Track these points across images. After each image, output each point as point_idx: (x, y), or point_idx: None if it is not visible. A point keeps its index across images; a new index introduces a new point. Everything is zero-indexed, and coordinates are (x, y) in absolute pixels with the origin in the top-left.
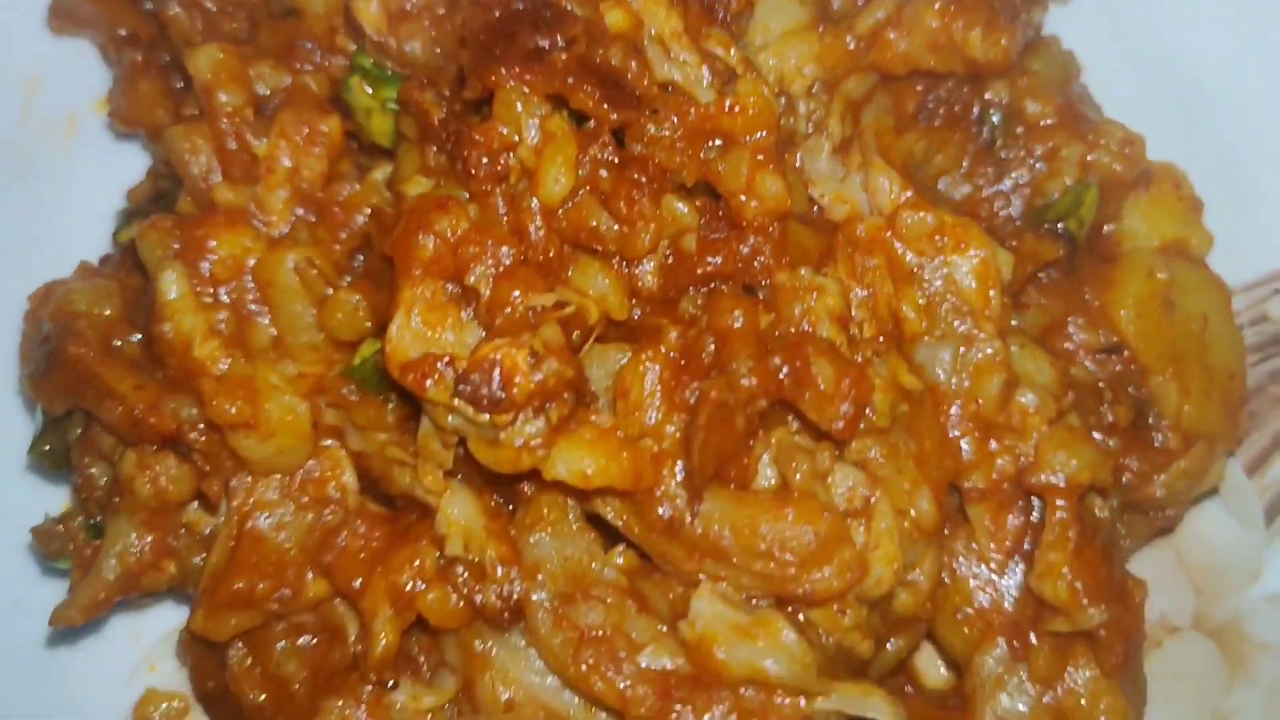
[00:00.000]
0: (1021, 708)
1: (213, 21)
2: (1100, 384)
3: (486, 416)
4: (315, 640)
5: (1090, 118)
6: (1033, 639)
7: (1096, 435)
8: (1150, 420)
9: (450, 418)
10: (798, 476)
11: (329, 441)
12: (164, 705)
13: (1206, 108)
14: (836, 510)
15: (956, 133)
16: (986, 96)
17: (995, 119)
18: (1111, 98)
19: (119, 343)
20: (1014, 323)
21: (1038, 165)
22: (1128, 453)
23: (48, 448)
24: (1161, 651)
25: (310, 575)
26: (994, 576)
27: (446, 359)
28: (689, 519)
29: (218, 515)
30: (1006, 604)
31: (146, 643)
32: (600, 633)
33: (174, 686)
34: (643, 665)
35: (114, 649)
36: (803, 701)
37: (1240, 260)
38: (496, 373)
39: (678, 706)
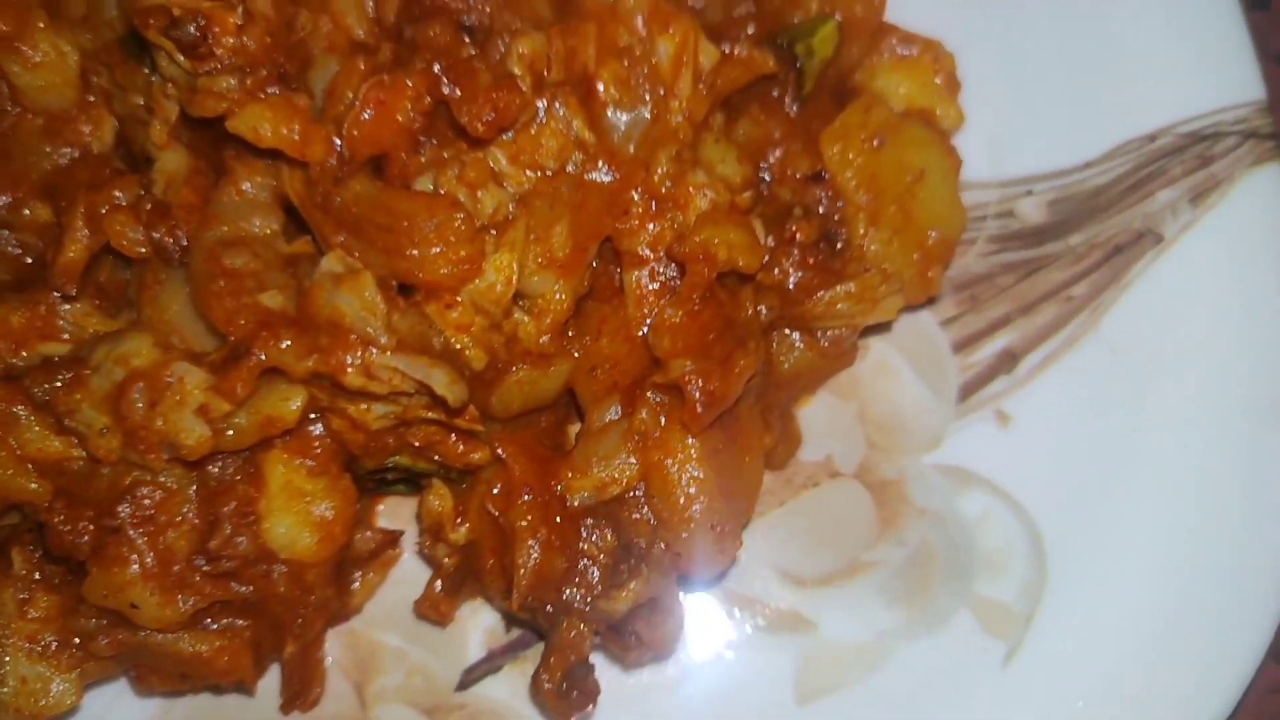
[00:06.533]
0: (615, 448)
1: None
2: (795, 204)
3: (185, 60)
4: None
5: None
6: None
7: (786, 250)
8: (838, 247)
9: (168, 64)
10: (447, 177)
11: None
12: None
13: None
14: (470, 213)
15: None
16: None
17: None
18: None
19: None
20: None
21: None
22: (803, 267)
23: None
24: (818, 490)
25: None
26: (635, 333)
27: (178, 11)
28: (338, 198)
29: None
30: (632, 363)
31: None
32: (240, 267)
33: None
34: (259, 302)
35: None
36: (373, 352)
37: (1005, 156)
38: (200, 23)
39: (264, 333)
